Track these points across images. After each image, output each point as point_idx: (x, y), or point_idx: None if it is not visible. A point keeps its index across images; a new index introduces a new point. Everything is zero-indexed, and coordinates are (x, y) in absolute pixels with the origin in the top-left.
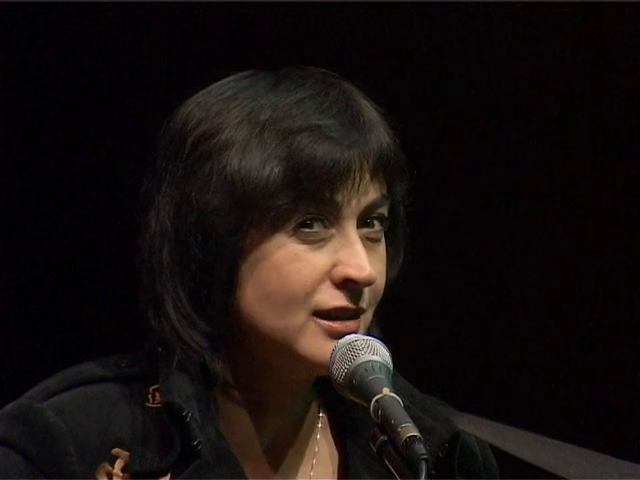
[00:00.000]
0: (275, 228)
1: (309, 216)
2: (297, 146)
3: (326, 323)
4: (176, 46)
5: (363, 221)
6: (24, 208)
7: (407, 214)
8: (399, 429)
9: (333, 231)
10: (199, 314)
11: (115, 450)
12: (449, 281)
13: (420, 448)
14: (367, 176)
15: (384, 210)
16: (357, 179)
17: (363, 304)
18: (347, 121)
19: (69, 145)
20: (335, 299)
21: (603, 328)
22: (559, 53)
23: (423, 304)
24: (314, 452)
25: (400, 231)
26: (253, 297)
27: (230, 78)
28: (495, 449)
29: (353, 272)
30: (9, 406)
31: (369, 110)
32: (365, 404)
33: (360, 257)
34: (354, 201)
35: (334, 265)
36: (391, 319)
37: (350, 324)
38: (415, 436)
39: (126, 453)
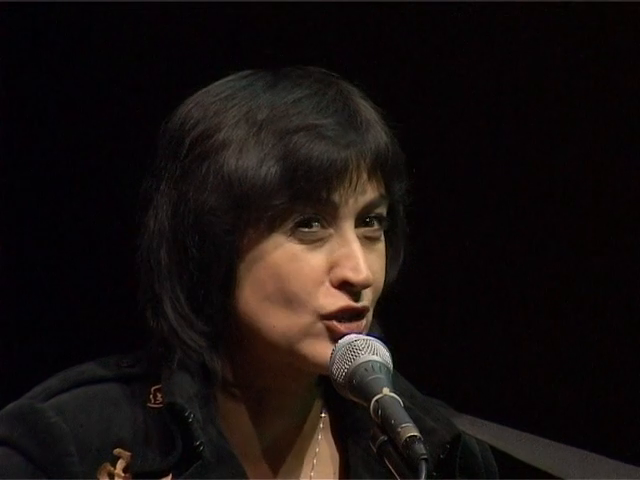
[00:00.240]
0: (272, 228)
1: (306, 216)
2: (294, 146)
3: (333, 323)
4: (176, 46)
5: (362, 220)
6: (24, 208)
7: (406, 214)
8: (399, 429)
9: (331, 231)
10: (197, 314)
11: (117, 450)
12: (449, 281)
13: (420, 448)
14: (364, 176)
15: (382, 210)
16: (354, 179)
17: (366, 302)
18: (344, 121)
19: (69, 145)
20: (338, 300)
21: (603, 328)
22: (559, 53)
23: (423, 304)
24: (315, 452)
25: (399, 231)
26: (252, 297)
27: (229, 78)
28: (495, 450)
29: (350, 275)
30: (10, 406)
31: (367, 110)
32: (365, 404)
33: (357, 259)
34: (351, 201)
35: (332, 266)
36: (391, 319)
37: (354, 325)
38: (415, 436)
39: (128, 453)
